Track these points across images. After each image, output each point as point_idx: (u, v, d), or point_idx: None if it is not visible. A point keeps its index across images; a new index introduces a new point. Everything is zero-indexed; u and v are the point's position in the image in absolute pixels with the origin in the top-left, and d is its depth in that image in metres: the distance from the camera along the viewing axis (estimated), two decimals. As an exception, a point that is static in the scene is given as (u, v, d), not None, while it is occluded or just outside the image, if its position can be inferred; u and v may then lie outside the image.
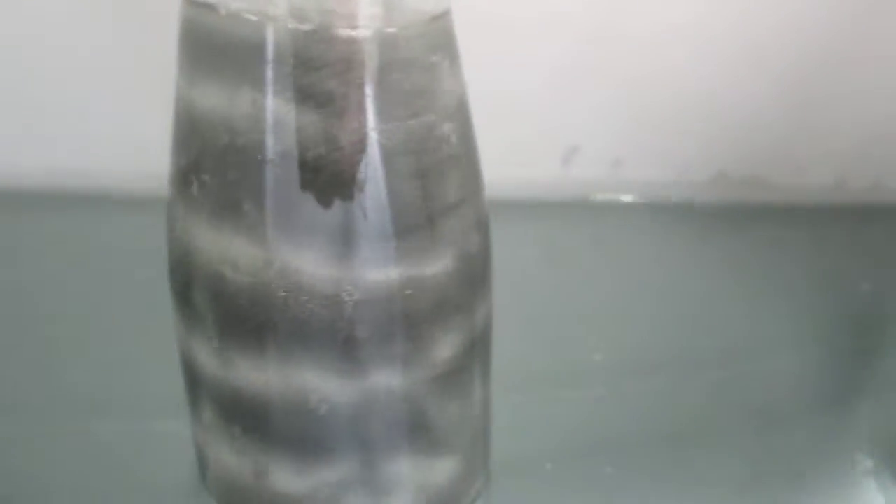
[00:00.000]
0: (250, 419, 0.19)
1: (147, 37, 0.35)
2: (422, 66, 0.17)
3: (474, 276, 0.20)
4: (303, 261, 0.17)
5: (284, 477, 0.19)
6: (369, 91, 0.16)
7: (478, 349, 0.21)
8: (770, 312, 0.35)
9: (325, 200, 0.17)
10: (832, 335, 0.35)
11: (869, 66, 0.41)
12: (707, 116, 0.42)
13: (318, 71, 0.16)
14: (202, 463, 0.22)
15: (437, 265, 0.18)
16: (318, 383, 0.18)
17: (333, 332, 0.18)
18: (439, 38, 0.18)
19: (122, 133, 0.38)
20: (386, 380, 0.19)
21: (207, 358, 0.19)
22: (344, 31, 0.16)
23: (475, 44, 0.21)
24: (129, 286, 0.33)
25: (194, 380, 0.20)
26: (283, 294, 0.17)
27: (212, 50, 0.17)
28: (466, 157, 0.19)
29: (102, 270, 0.35)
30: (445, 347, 0.19)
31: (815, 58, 0.41)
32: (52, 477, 0.24)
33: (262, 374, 0.18)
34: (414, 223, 0.18)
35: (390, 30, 0.16)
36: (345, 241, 0.17)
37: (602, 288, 0.37)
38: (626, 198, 0.43)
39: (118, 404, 0.27)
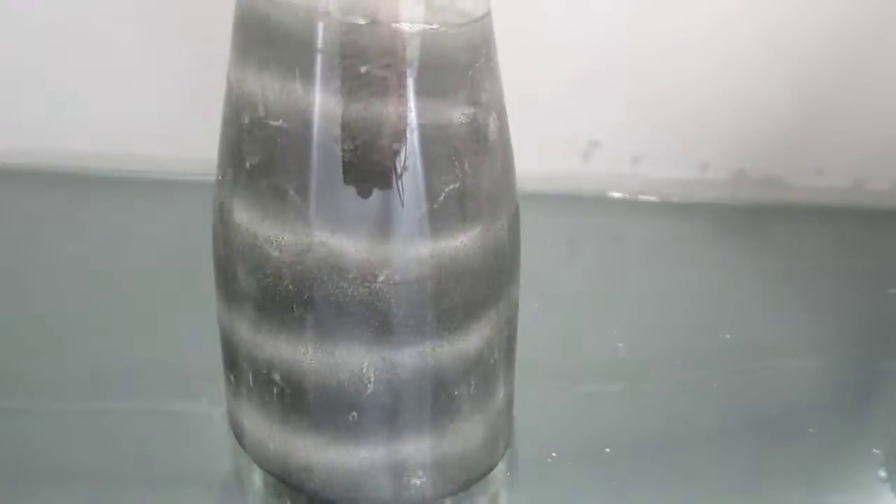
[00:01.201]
0: (286, 391, 0.20)
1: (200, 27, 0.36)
2: (462, 62, 0.18)
3: (504, 260, 0.20)
4: (342, 243, 0.18)
5: (316, 448, 0.20)
6: (412, 84, 0.17)
7: (505, 330, 0.21)
8: (786, 312, 0.35)
9: (365, 187, 0.18)
10: (848, 336, 0.35)
11: (889, 69, 0.41)
12: (727, 116, 0.42)
13: (364, 63, 0.17)
14: (238, 430, 0.22)
15: (469, 250, 0.19)
16: (353, 359, 0.19)
17: (369, 311, 0.19)
18: (479, 37, 0.18)
19: (168, 118, 0.39)
20: (418, 356, 0.19)
21: (247, 331, 0.20)
22: (390, 26, 0.17)
23: (500, 39, 0.22)
24: (169, 265, 0.33)
25: (233, 352, 0.21)
26: (323, 274, 0.18)
27: (263, 38, 0.18)
28: (501, 149, 0.20)
29: (143, 250, 0.35)
30: (475, 328, 0.20)
31: (836, 60, 0.41)
32: (80, 455, 0.24)
33: (299, 349, 0.19)
34: (449, 210, 0.19)
35: (433, 27, 0.17)
36: (383, 225, 0.18)
37: (619, 284, 0.37)
38: (645, 195, 0.44)
39: (150, 381, 0.28)
